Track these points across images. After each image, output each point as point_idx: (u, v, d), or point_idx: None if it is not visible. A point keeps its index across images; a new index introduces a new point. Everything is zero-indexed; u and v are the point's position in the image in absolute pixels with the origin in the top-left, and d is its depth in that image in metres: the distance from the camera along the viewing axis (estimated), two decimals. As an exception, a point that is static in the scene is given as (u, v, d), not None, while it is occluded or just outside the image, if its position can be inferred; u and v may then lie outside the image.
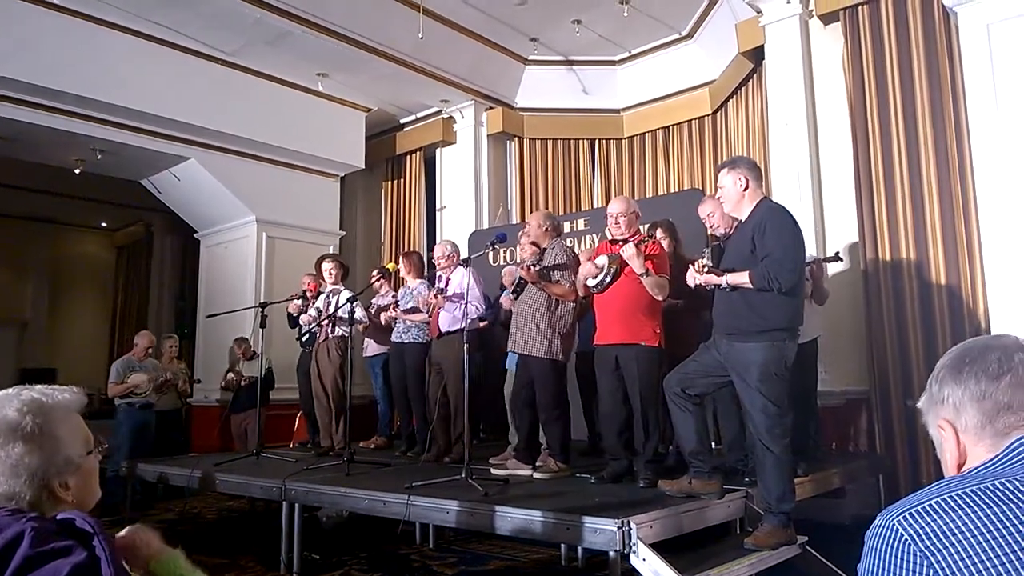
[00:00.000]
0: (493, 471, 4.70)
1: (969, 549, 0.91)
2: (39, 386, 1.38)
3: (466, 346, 4.47)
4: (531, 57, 8.70)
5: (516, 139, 9.24)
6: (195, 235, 9.65)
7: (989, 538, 0.91)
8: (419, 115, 9.59)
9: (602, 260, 4.35)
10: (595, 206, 8.57)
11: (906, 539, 0.95)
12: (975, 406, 1.09)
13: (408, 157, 9.79)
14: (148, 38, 7.41)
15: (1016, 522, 0.91)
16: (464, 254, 6.17)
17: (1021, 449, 1.03)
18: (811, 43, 6.46)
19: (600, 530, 3.17)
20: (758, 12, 6.62)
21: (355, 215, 10.25)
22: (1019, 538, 0.90)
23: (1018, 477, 0.97)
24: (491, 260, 7.56)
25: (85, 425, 1.41)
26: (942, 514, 0.95)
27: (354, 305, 5.68)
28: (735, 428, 4.43)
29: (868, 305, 5.75)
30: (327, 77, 8.37)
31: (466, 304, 4.93)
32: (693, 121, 8.46)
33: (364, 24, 7.48)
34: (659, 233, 4.91)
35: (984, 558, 0.90)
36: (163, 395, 7.64)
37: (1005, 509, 0.93)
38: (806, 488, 4.28)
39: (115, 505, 6.28)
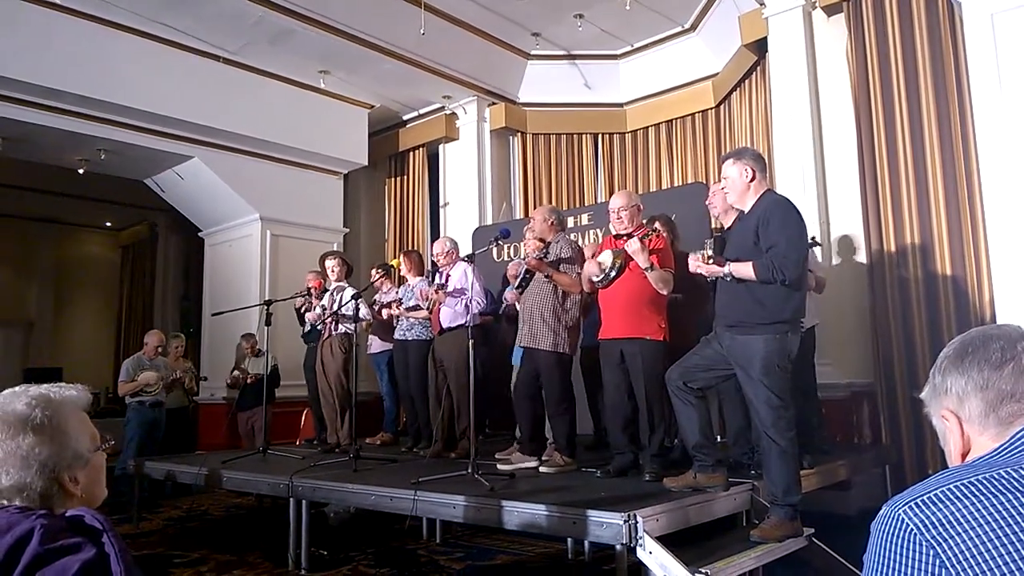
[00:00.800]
0: (499, 466, 4.71)
1: (975, 538, 0.91)
2: (45, 384, 1.39)
3: (471, 341, 4.47)
4: (533, 52, 8.69)
5: (519, 134, 9.23)
6: (199, 234, 9.67)
7: (995, 527, 0.91)
8: (422, 111, 9.59)
9: (605, 257, 4.34)
10: (598, 201, 8.55)
11: (912, 529, 0.95)
12: (978, 395, 1.09)
13: (411, 154, 9.79)
14: (151, 38, 7.42)
15: (1022, 511, 0.91)
16: (467, 250, 6.18)
17: (1026, 438, 1.03)
18: (814, 35, 6.44)
19: (606, 524, 3.17)
20: (761, 4, 6.60)
21: (358, 212, 10.26)
22: (1025, 527, 0.90)
23: (1023, 466, 0.97)
24: (495, 256, 7.56)
25: (91, 422, 1.42)
26: (948, 504, 0.95)
27: (358, 302, 5.69)
28: (740, 421, 4.43)
29: (873, 296, 5.74)
30: (329, 74, 8.37)
31: (470, 300, 4.93)
32: (696, 115, 8.44)
33: (366, 21, 7.47)
34: (657, 226, 4.90)
35: (990, 547, 0.90)
36: (170, 393, 7.67)
37: (1011, 498, 0.93)
38: (812, 480, 4.28)
39: (123, 503, 6.31)
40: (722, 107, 8.17)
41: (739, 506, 3.85)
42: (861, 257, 5.96)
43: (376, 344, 6.76)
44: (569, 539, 4.79)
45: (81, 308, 14.49)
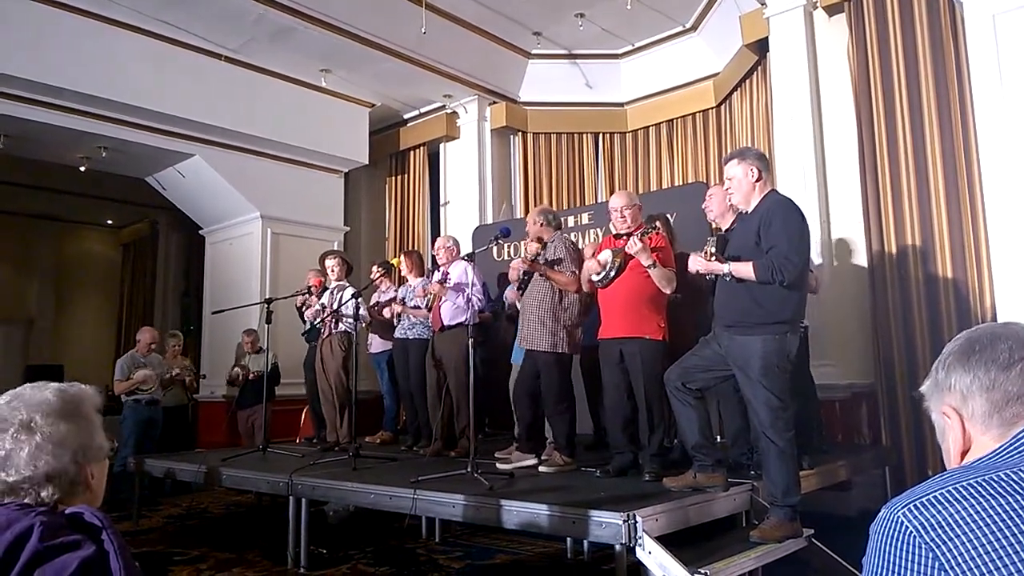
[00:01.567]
0: (498, 465, 4.71)
1: (974, 540, 0.91)
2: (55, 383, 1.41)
3: (471, 340, 4.48)
4: (534, 51, 8.68)
5: (520, 133, 9.23)
6: (200, 232, 9.68)
7: (995, 529, 0.91)
8: (422, 110, 9.59)
9: (605, 255, 4.34)
10: (599, 200, 8.55)
11: (911, 531, 0.95)
12: (984, 395, 1.07)
13: (412, 152, 9.79)
14: (153, 36, 7.42)
15: (1022, 513, 0.91)
16: (467, 249, 6.18)
17: (1026, 439, 1.03)
18: (815, 35, 6.44)
19: (606, 524, 3.17)
20: (762, 4, 6.60)
21: (359, 211, 10.26)
22: (1024, 529, 0.90)
23: (1023, 468, 0.97)
24: (495, 255, 7.56)
25: None
26: (947, 506, 0.94)
27: (358, 301, 5.69)
28: (738, 422, 4.42)
29: (873, 297, 5.74)
30: (330, 73, 8.37)
31: (469, 297, 4.93)
32: (697, 114, 8.44)
33: (367, 19, 7.47)
34: (657, 224, 4.89)
35: (989, 549, 0.89)
36: (169, 391, 7.67)
37: (1011, 500, 0.92)
38: (812, 481, 4.28)
39: (123, 500, 6.31)
40: (723, 107, 8.16)
41: (739, 506, 3.85)
42: (862, 257, 5.95)
43: (376, 343, 6.77)
44: (568, 539, 4.79)
45: (82, 306, 14.49)
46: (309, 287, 6.94)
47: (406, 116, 9.80)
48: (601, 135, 9.19)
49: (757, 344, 3.47)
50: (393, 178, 10.06)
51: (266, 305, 6.18)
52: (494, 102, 9.08)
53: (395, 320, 6.17)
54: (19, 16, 6.61)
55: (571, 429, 4.79)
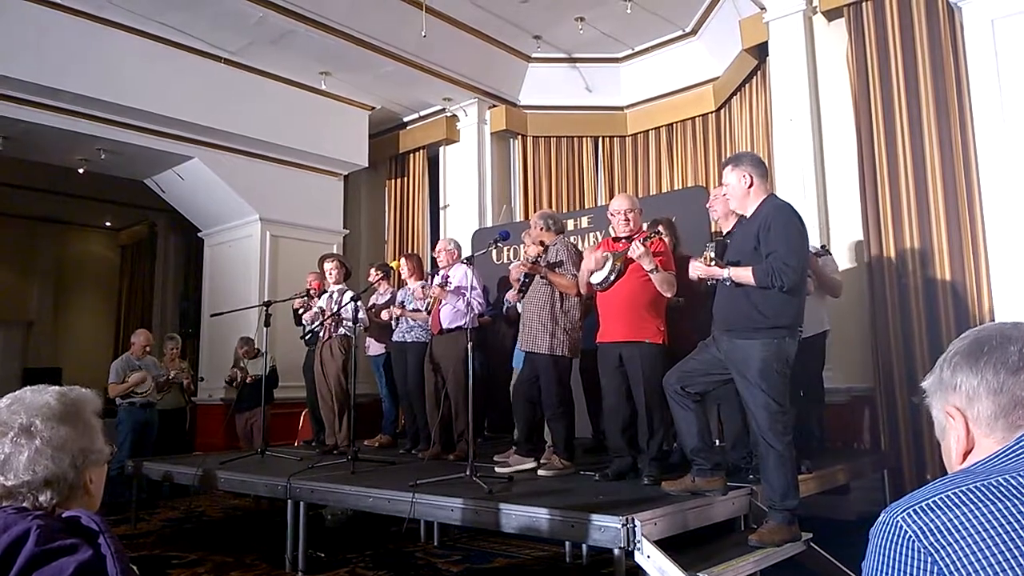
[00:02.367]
0: (497, 469, 4.70)
1: (973, 545, 0.90)
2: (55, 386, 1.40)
3: (469, 344, 4.47)
4: (534, 55, 8.69)
5: (519, 137, 9.24)
6: (199, 234, 9.67)
7: (994, 534, 0.90)
8: (422, 113, 9.59)
9: (601, 255, 4.34)
10: (599, 204, 8.55)
11: (910, 535, 0.94)
12: (991, 399, 1.05)
13: (411, 155, 9.79)
14: (152, 38, 7.43)
15: (1021, 518, 0.91)
16: (467, 252, 6.18)
17: (1027, 444, 1.02)
18: (815, 39, 6.45)
19: (604, 527, 3.17)
20: (762, 8, 6.61)
21: (359, 214, 10.26)
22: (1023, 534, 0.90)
23: (1023, 472, 0.96)
24: (494, 258, 7.56)
25: None
26: (946, 510, 0.94)
27: (357, 304, 5.69)
28: (738, 425, 4.42)
29: (872, 301, 5.74)
30: (330, 76, 8.38)
31: (468, 301, 4.93)
32: (697, 118, 8.45)
33: (367, 22, 7.48)
34: (659, 229, 4.90)
35: (988, 554, 0.89)
36: (166, 394, 7.66)
37: (1009, 505, 0.92)
38: (811, 485, 4.28)
39: (120, 504, 6.30)
40: (722, 111, 8.17)
41: (737, 510, 3.85)
42: (861, 262, 5.95)
43: (374, 346, 6.76)
44: (567, 543, 4.78)
45: (80, 308, 14.48)
46: (308, 290, 6.94)
47: (406, 119, 9.81)
48: (601, 139, 9.20)
49: (756, 348, 3.48)
50: (393, 181, 10.07)
51: (265, 308, 6.18)
52: (494, 105, 9.09)
53: (393, 323, 6.17)
54: (19, 18, 6.62)
55: (570, 432, 4.79)
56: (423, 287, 5.92)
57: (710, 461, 3.71)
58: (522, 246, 6.09)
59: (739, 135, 7.72)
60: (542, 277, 4.72)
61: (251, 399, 7.39)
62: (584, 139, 9.19)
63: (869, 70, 5.88)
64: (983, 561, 0.89)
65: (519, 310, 5.18)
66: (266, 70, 8.27)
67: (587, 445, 5.67)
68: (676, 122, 8.63)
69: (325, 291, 6.55)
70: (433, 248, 7.58)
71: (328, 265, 6.50)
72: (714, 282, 3.65)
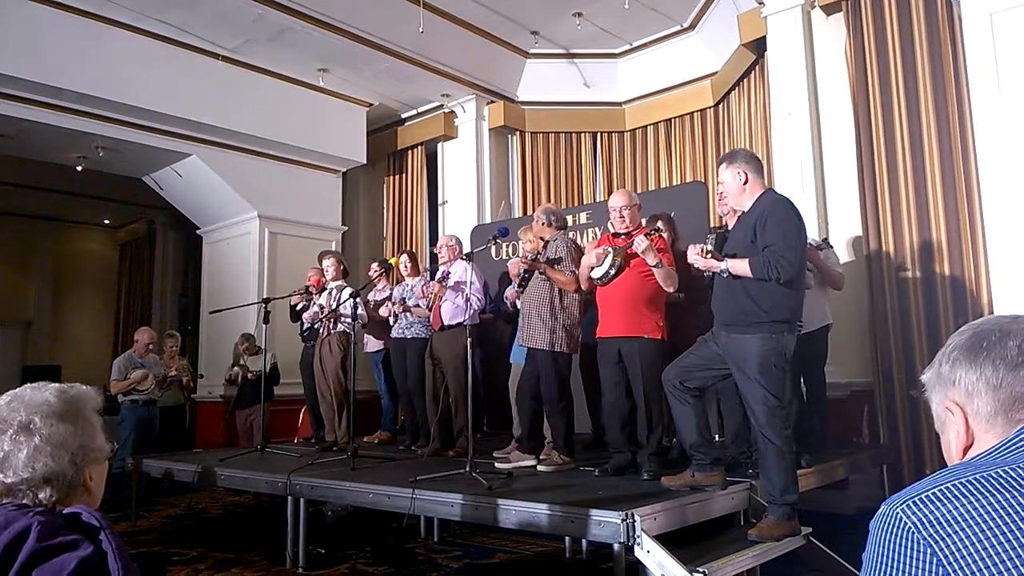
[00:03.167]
0: (497, 465, 4.71)
1: (973, 537, 0.90)
2: (56, 383, 1.40)
3: (469, 340, 4.47)
4: (532, 50, 8.68)
5: (518, 133, 9.23)
6: (197, 231, 9.66)
7: (993, 526, 0.90)
8: (420, 110, 9.58)
9: (601, 251, 4.34)
10: (597, 200, 8.55)
11: (910, 527, 0.94)
12: (990, 394, 1.05)
13: (410, 152, 9.78)
14: (150, 35, 7.41)
15: (1021, 510, 0.91)
16: (466, 249, 6.18)
17: (1026, 436, 1.02)
18: (813, 34, 6.44)
19: (604, 522, 3.17)
20: (760, 3, 6.60)
21: (357, 210, 10.26)
22: (1023, 526, 0.90)
23: (1022, 464, 0.96)
24: (493, 254, 7.56)
25: None
26: (946, 502, 0.94)
27: (356, 301, 5.69)
28: (738, 421, 4.42)
29: (871, 296, 5.75)
30: (328, 72, 8.37)
31: (468, 297, 4.93)
32: (695, 113, 8.44)
33: (365, 19, 7.47)
34: (659, 226, 4.90)
35: (988, 546, 0.89)
36: (166, 391, 7.67)
37: (1009, 497, 0.92)
38: (810, 479, 4.28)
39: (121, 501, 6.31)
40: (721, 106, 8.17)
41: (737, 505, 3.85)
42: (859, 256, 5.96)
43: (372, 343, 6.76)
44: (567, 538, 4.79)
45: (79, 306, 14.47)
46: (307, 286, 6.94)
47: (404, 115, 9.80)
48: (599, 134, 9.19)
49: (754, 343, 3.48)
50: (391, 178, 10.06)
51: (264, 305, 6.18)
52: (492, 101, 9.08)
53: (391, 319, 6.16)
54: (16, 15, 6.60)
55: (569, 428, 4.79)
56: (423, 286, 5.92)
57: (709, 456, 3.71)
58: (521, 242, 6.09)
59: (737, 130, 7.71)
60: (541, 273, 4.72)
61: (251, 396, 7.39)
62: (582, 135, 9.18)
63: (868, 64, 5.88)
64: (983, 552, 0.89)
65: (518, 305, 5.18)
66: (264, 67, 8.26)
67: (587, 440, 5.68)
68: (674, 117, 8.62)
69: (324, 287, 6.55)
70: (432, 244, 7.59)
71: (326, 262, 6.50)
72: (712, 275, 3.66)
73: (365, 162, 9.56)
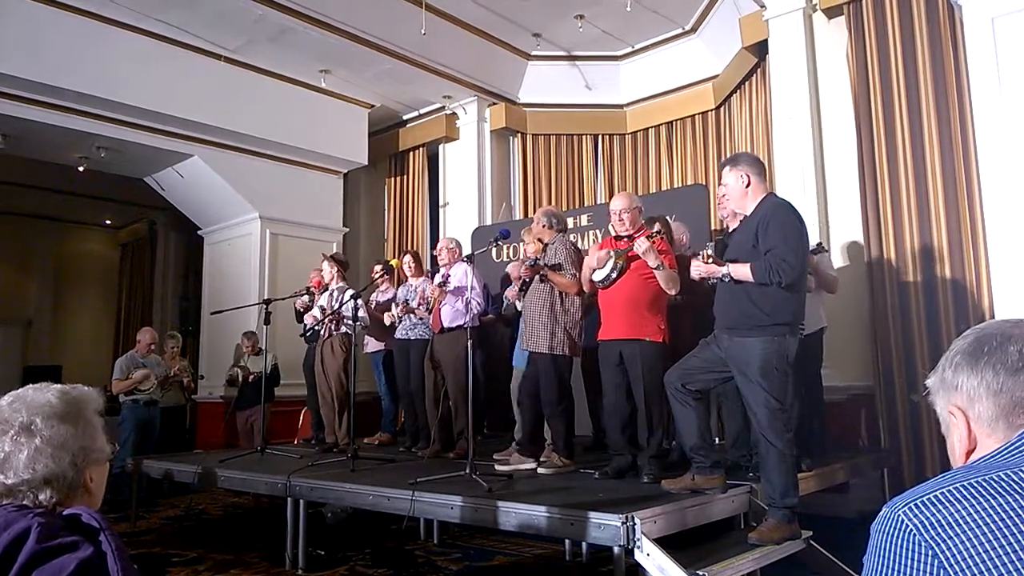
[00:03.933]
0: (497, 467, 4.71)
1: (974, 540, 0.91)
2: (58, 384, 1.40)
3: (469, 342, 4.47)
4: (534, 52, 8.69)
5: (519, 135, 9.23)
6: (199, 232, 9.67)
7: (995, 529, 0.91)
8: (422, 111, 9.59)
9: (603, 254, 4.34)
10: (598, 202, 8.55)
11: (911, 529, 0.95)
12: (991, 399, 1.06)
13: (411, 153, 9.79)
14: (151, 36, 7.42)
15: (1021, 513, 0.91)
16: (467, 251, 6.18)
17: (1028, 440, 1.02)
18: (815, 37, 6.44)
19: (604, 525, 3.17)
20: (762, 6, 6.60)
21: (358, 212, 10.26)
22: (1024, 529, 0.90)
23: (1023, 468, 0.96)
24: (494, 256, 7.56)
25: None
26: (947, 505, 0.94)
27: (357, 303, 5.69)
28: (738, 423, 4.42)
29: (872, 300, 5.74)
30: (330, 73, 8.37)
31: (468, 300, 4.93)
32: (696, 116, 8.44)
33: (367, 20, 7.47)
34: (658, 229, 4.90)
35: (989, 548, 0.90)
36: (167, 392, 7.67)
37: (1011, 500, 0.92)
38: (810, 483, 4.28)
39: (121, 501, 6.30)
40: (722, 109, 8.17)
41: (737, 508, 3.85)
42: (860, 260, 5.95)
43: (372, 344, 6.76)
44: (567, 540, 4.79)
45: (80, 306, 14.47)
46: (308, 287, 6.94)
47: (405, 117, 9.80)
48: (600, 137, 9.19)
49: (756, 346, 3.48)
50: (392, 179, 10.06)
51: (265, 306, 6.18)
52: (493, 103, 9.08)
53: (397, 320, 6.14)
54: (17, 15, 6.61)
55: (569, 431, 4.79)
56: (423, 291, 5.91)
57: (710, 459, 3.71)
58: (522, 244, 6.09)
59: (739, 133, 7.71)
60: (542, 279, 4.71)
61: (251, 397, 7.39)
62: (584, 137, 9.18)
63: (869, 68, 5.88)
64: (984, 556, 0.89)
65: (517, 308, 5.18)
66: (265, 68, 8.27)
67: (587, 443, 5.67)
68: (676, 120, 8.62)
69: (326, 287, 6.56)
70: (433, 246, 7.59)
71: (325, 265, 6.51)
72: (715, 280, 3.66)
73: (366, 163, 9.57)
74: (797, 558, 3.62)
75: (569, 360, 4.84)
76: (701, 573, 3.06)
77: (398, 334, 6.15)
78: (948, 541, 0.92)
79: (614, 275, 4.26)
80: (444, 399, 5.59)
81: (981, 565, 0.89)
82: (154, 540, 5.75)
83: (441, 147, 9.49)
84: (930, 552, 0.92)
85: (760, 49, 6.94)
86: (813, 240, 5.58)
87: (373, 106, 9.34)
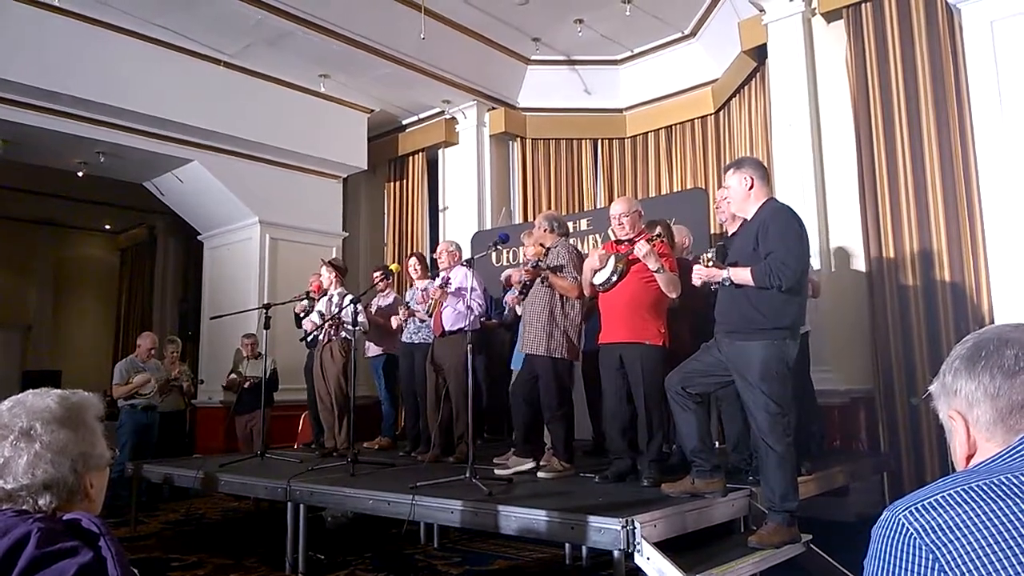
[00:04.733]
0: (496, 471, 4.70)
1: (975, 543, 0.91)
2: (58, 390, 1.40)
3: (469, 346, 4.47)
4: (533, 57, 8.70)
5: (518, 139, 9.24)
6: (198, 237, 9.67)
7: (995, 532, 0.91)
8: (421, 116, 9.60)
9: (603, 254, 4.34)
10: (598, 206, 8.55)
11: (912, 533, 0.95)
12: (989, 403, 1.07)
13: (410, 158, 9.80)
14: (150, 40, 7.43)
15: (1022, 516, 0.91)
16: (467, 255, 6.18)
17: (1028, 444, 1.03)
18: (814, 41, 6.45)
19: (604, 529, 3.17)
20: (761, 10, 6.61)
21: (358, 216, 10.27)
22: (1024, 532, 0.90)
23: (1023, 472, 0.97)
24: (494, 261, 7.56)
25: None
26: (948, 508, 0.95)
27: (356, 308, 5.69)
28: (738, 427, 4.42)
29: (872, 303, 5.74)
30: (329, 78, 8.38)
31: (468, 302, 4.93)
32: (696, 120, 8.44)
33: (366, 25, 7.48)
34: (659, 233, 4.90)
35: (989, 552, 0.90)
36: (167, 396, 7.66)
37: (1011, 504, 0.93)
38: (810, 486, 4.27)
39: (120, 506, 6.30)
40: (721, 113, 8.18)
41: (737, 512, 3.85)
42: (860, 265, 5.96)
43: (372, 348, 6.76)
44: (567, 544, 4.78)
45: (80, 311, 14.48)
46: (307, 292, 6.94)
47: (405, 121, 9.82)
48: (600, 141, 9.19)
49: (757, 350, 3.49)
50: (392, 184, 10.07)
51: (264, 311, 6.18)
52: (493, 108, 9.09)
53: (404, 324, 6.14)
54: (17, 20, 6.62)
55: (569, 434, 4.79)
56: (424, 291, 5.92)
57: (710, 463, 3.71)
58: (522, 247, 6.09)
59: (738, 137, 7.72)
60: (543, 282, 4.72)
61: (251, 402, 7.39)
62: (583, 141, 9.19)
63: (868, 72, 5.89)
64: (985, 559, 0.90)
65: (518, 312, 5.18)
66: (265, 72, 8.28)
67: (587, 447, 5.67)
68: (675, 124, 8.62)
69: (326, 292, 6.56)
70: (433, 251, 7.59)
71: (323, 270, 6.52)
72: (716, 285, 3.67)
73: (366, 168, 9.58)
74: (797, 562, 3.62)
75: (569, 364, 4.84)
76: (701, 577, 3.06)
77: (404, 338, 6.15)
78: (949, 544, 0.92)
79: (614, 278, 4.27)
80: (445, 402, 5.59)
81: (982, 569, 0.89)
82: (154, 545, 5.75)
83: (440, 152, 9.50)
84: (931, 555, 0.93)
85: (759, 53, 6.96)
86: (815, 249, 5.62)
87: (372, 111, 9.35)
